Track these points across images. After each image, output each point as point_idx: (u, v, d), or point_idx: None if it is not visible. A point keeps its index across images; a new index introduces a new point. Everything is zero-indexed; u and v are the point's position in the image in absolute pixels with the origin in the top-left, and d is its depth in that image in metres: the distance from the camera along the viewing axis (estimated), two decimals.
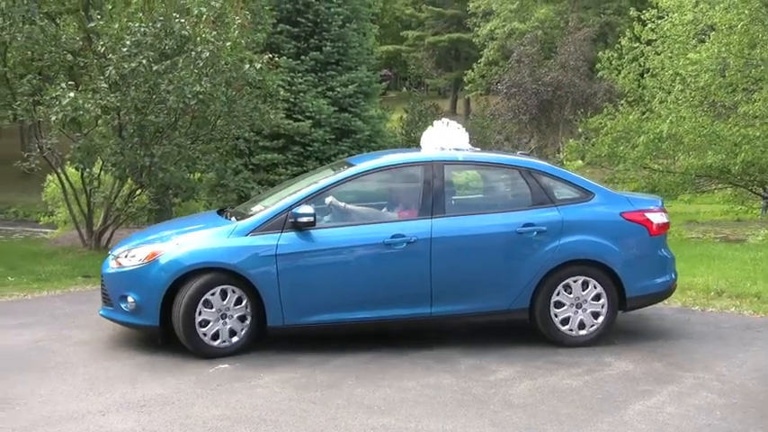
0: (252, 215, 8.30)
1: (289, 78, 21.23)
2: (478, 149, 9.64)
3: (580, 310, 8.35)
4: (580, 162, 25.62)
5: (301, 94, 21.90)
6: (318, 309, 8.00)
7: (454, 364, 7.72)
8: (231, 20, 14.50)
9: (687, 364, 7.74)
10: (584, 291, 8.34)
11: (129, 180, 14.90)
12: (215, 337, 7.84)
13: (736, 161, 20.78)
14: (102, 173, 15.12)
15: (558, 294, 8.32)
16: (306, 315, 7.99)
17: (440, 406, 6.57)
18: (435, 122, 9.44)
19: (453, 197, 8.77)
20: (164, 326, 7.89)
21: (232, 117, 15.19)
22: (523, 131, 37.22)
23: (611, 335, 8.63)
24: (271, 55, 15.63)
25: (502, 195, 9.21)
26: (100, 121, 13.90)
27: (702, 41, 21.92)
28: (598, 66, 26.42)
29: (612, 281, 8.38)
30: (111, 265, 8.31)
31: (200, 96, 13.41)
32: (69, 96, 12.48)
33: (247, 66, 14.32)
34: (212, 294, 7.79)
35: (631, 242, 8.50)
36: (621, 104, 25.17)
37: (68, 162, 14.42)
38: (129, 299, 7.92)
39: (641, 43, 23.87)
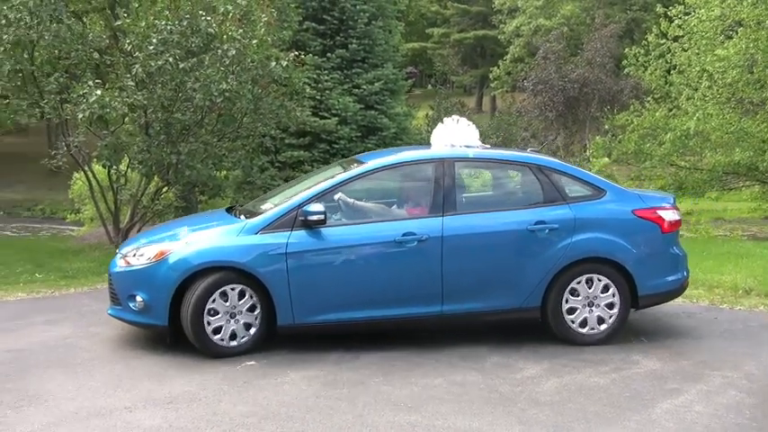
0: (261, 213, 8.26)
1: (315, 76, 21.19)
2: (488, 147, 9.60)
3: (592, 309, 8.31)
4: (606, 159, 25.46)
5: (327, 92, 21.86)
6: (328, 307, 7.98)
7: (480, 362, 7.71)
8: (257, 17, 14.52)
9: (715, 363, 7.68)
10: (596, 289, 8.30)
11: (155, 177, 14.95)
12: (224, 336, 7.82)
13: (764, 158, 20.67)
14: (129, 170, 15.19)
15: (570, 292, 8.28)
16: (315, 314, 7.96)
17: (466, 403, 6.56)
18: (445, 119, 9.40)
19: (464, 195, 8.73)
20: (172, 325, 7.88)
21: (258, 114, 15.21)
22: (550, 128, 37.02)
23: (638, 333, 8.61)
24: (297, 52, 15.61)
25: (513, 193, 9.13)
26: (127, 119, 13.95)
27: (730, 37, 21.76)
28: (624, 62, 26.25)
29: (625, 279, 8.32)
30: (119, 264, 8.28)
31: (227, 94, 13.44)
32: (96, 94, 12.53)
33: (273, 63, 14.33)
34: (221, 293, 7.77)
35: (643, 240, 8.43)
36: (648, 101, 25.03)
37: (95, 160, 14.46)
38: (138, 298, 7.91)
39: (668, 39, 23.72)
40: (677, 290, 8.77)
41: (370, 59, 23.15)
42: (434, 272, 8.04)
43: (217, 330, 7.77)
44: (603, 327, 8.31)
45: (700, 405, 6.55)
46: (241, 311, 7.84)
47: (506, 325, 8.69)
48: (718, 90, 21.80)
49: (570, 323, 8.28)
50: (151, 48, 13.04)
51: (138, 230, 15.52)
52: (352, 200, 8.48)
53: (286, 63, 14.55)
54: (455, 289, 8.09)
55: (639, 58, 24.86)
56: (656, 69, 24.21)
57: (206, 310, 7.70)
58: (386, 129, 22.68)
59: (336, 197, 8.37)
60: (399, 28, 26.68)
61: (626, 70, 26.98)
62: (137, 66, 13.10)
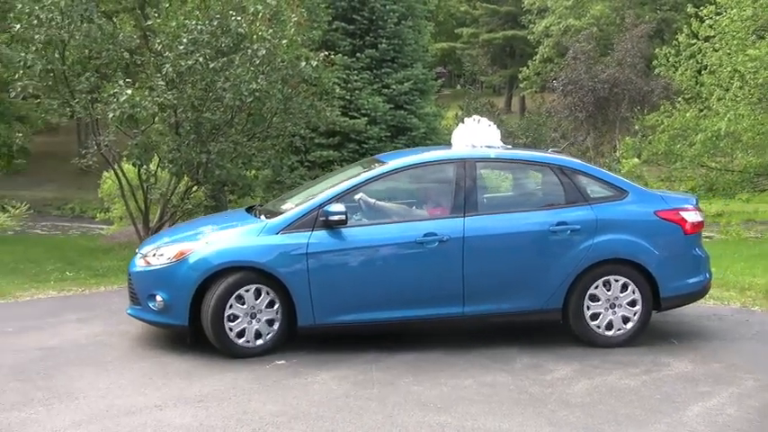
0: (282, 213, 8.25)
1: (344, 76, 21.19)
2: (510, 147, 9.56)
3: (614, 310, 8.26)
4: (636, 160, 25.37)
5: (357, 92, 21.85)
6: (348, 308, 7.97)
7: (510, 363, 7.69)
8: (287, 17, 14.52)
9: (747, 366, 7.63)
10: (618, 291, 8.25)
11: (185, 177, 14.99)
12: (245, 336, 7.82)
13: None
14: (159, 169, 15.23)
15: (591, 294, 8.23)
16: (336, 314, 7.96)
17: (496, 404, 6.55)
18: (466, 119, 9.37)
19: (485, 195, 8.68)
20: (192, 325, 7.88)
21: (288, 114, 15.21)
22: (579, 129, 36.88)
23: (668, 335, 8.56)
24: (327, 52, 15.61)
25: (534, 193, 9.07)
26: (157, 119, 13.98)
27: (762, 38, 21.64)
28: (655, 63, 26.18)
29: (647, 280, 8.26)
30: (139, 264, 8.31)
31: (257, 94, 13.45)
32: (127, 94, 12.56)
33: (303, 63, 14.32)
34: (242, 294, 7.78)
35: (666, 241, 8.37)
36: (679, 102, 24.93)
37: (125, 159, 14.50)
38: (158, 298, 7.93)
39: (699, 40, 23.60)
40: (699, 292, 8.70)
41: (399, 59, 23.13)
42: (455, 273, 8.02)
43: (237, 330, 7.78)
44: (626, 328, 8.25)
45: (732, 408, 6.50)
46: (262, 312, 7.84)
47: (536, 326, 8.67)
48: (749, 90, 21.66)
49: (592, 325, 8.23)
50: (181, 47, 13.07)
51: None
52: (373, 200, 8.48)
53: (316, 63, 14.54)
54: (476, 290, 8.08)
55: (670, 59, 24.77)
56: (686, 70, 24.10)
57: (227, 311, 7.71)
58: (415, 129, 22.65)
59: (357, 197, 8.38)
60: (429, 28, 26.65)
61: (656, 70, 26.89)
62: (167, 65, 13.13)
